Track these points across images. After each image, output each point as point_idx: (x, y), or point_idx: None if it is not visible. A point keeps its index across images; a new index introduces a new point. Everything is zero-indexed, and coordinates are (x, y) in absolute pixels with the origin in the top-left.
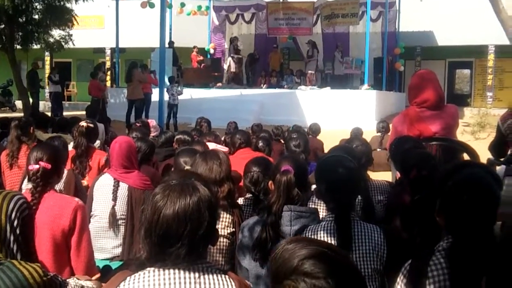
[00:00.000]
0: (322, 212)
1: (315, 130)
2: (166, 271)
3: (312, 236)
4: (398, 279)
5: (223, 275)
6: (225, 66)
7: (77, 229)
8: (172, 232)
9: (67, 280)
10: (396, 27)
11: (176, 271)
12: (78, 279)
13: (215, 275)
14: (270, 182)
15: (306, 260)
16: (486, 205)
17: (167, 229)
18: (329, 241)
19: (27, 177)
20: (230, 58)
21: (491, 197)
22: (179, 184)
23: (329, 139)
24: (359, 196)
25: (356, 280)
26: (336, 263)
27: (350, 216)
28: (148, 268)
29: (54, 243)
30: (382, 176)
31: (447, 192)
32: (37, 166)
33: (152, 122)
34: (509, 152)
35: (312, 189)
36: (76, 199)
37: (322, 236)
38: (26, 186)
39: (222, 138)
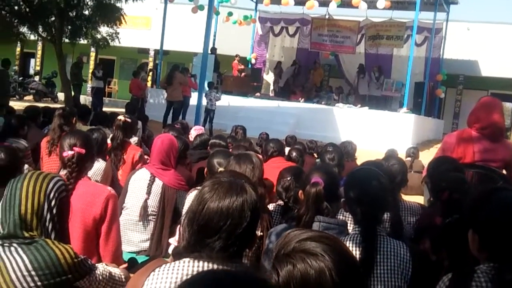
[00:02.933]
0: (351, 225)
1: (351, 153)
2: (201, 263)
3: None
4: None
5: None
6: (270, 79)
7: (108, 218)
8: (212, 224)
9: (96, 264)
10: (441, 53)
11: (210, 264)
12: (107, 265)
13: None
14: (300, 191)
15: (304, 241)
16: None
17: (208, 221)
18: (355, 253)
19: (62, 163)
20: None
21: None
22: (229, 181)
23: (363, 159)
24: (388, 213)
25: (352, 265)
26: (334, 246)
27: (376, 230)
28: (183, 259)
29: (84, 230)
30: (415, 199)
31: (486, 224)
32: (71, 152)
33: (201, 129)
34: None
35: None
36: (109, 188)
37: (349, 247)
38: (61, 173)
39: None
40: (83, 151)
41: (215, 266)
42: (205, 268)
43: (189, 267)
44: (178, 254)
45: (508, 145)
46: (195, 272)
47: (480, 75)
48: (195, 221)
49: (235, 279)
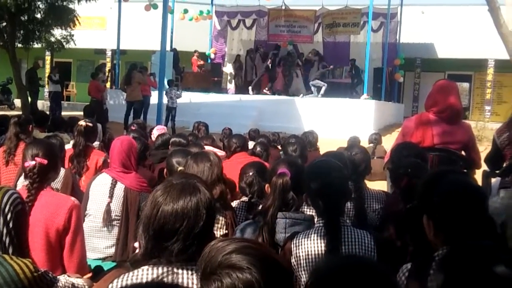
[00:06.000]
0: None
1: (313, 143)
2: (160, 269)
3: (304, 240)
4: None
5: None
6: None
7: (72, 229)
8: (168, 227)
9: (58, 277)
10: (397, 38)
11: (170, 268)
12: (69, 276)
13: None
14: (267, 185)
15: (230, 255)
16: (482, 204)
17: (164, 224)
18: (320, 245)
19: (23, 174)
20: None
21: (482, 195)
22: (181, 183)
23: (326, 148)
24: (351, 202)
25: (280, 272)
26: (259, 256)
27: (339, 221)
28: (142, 267)
29: (47, 241)
30: (378, 185)
31: (437, 208)
32: (33, 163)
33: (164, 129)
34: (504, 165)
35: None
36: (72, 198)
37: (313, 240)
38: (23, 183)
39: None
40: (45, 161)
41: (175, 270)
42: (165, 274)
43: (148, 275)
44: (136, 262)
45: (466, 127)
46: (154, 279)
47: (437, 57)
48: (150, 226)
49: None
